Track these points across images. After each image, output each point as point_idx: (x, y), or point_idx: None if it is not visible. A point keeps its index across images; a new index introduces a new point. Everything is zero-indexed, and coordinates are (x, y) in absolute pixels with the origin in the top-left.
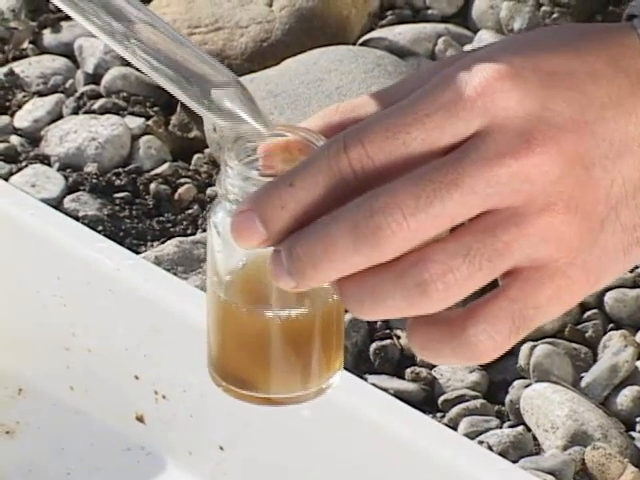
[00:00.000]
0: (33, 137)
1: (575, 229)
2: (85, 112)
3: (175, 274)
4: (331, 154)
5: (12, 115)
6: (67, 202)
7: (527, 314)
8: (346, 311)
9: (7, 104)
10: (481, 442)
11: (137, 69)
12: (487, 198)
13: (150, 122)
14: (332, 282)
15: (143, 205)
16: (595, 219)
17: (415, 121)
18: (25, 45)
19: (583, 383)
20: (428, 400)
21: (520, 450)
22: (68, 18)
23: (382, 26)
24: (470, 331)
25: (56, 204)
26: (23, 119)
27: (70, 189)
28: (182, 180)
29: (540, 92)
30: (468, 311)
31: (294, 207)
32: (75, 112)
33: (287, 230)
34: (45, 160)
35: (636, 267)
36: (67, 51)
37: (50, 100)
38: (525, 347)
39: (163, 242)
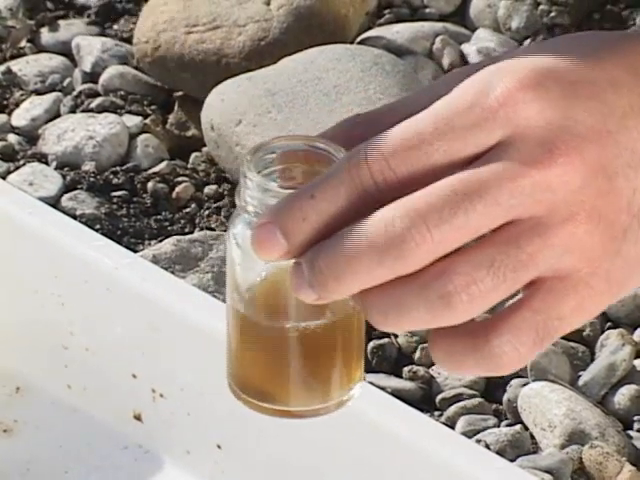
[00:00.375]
0: (31, 136)
1: (598, 239)
2: (83, 111)
3: (173, 272)
4: (352, 166)
5: (10, 114)
6: (65, 201)
7: (551, 325)
8: (368, 324)
9: (5, 102)
10: (479, 441)
11: (135, 67)
12: (510, 209)
13: (148, 121)
14: (354, 294)
15: (141, 204)
16: (618, 228)
17: (437, 132)
18: (23, 44)
19: (581, 382)
20: (426, 399)
21: (518, 449)
22: (65, 17)
23: (380, 25)
24: (494, 342)
25: (54, 202)
26: (21, 117)
27: (68, 188)
28: (180, 179)
29: (561, 102)
30: (491, 322)
31: (315, 219)
32: (73, 111)
33: (308, 242)
34: (43, 159)
35: None
36: (65, 50)
37: (48, 99)
38: None
39: (161, 241)
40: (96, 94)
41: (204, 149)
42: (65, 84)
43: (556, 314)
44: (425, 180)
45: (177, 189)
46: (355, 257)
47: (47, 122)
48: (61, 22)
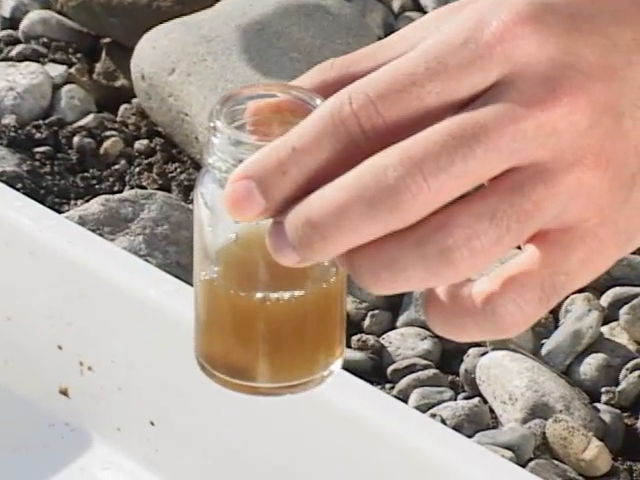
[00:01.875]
0: None
1: (606, 185)
2: (2, 59)
3: (101, 235)
4: (336, 112)
5: None
6: None
7: (557, 281)
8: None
9: None
10: (433, 415)
11: (58, 12)
12: (512, 154)
13: (73, 70)
14: (341, 255)
15: (66, 160)
16: (626, 174)
17: (429, 72)
18: None
19: (544, 351)
20: (376, 370)
21: (476, 424)
22: None
23: None
24: (496, 302)
25: None
26: None
27: None
28: (108, 133)
29: (562, 37)
30: (492, 280)
31: (297, 173)
32: None
33: (289, 199)
34: None
35: None
36: None
37: None
38: None
39: (88, 200)
40: (16, 41)
41: (134, 100)
42: None
43: (563, 269)
44: (417, 126)
45: (105, 144)
46: (343, 212)
47: None
48: None
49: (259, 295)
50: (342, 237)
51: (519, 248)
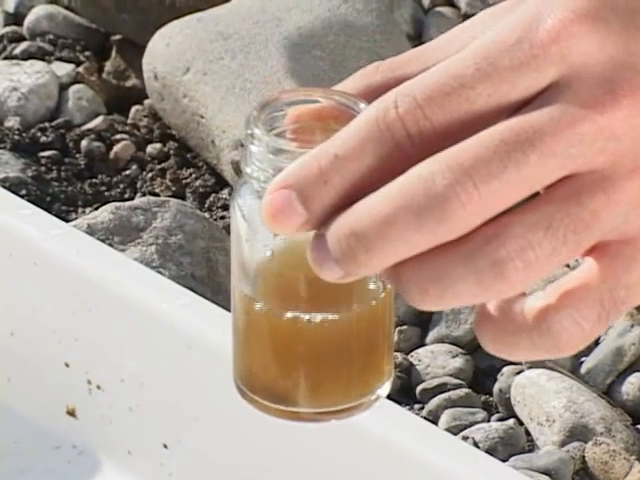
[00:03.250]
0: None
1: None
2: (5, 58)
3: (111, 245)
4: (380, 117)
5: None
6: None
7: (618, 296)
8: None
9: None
10: (465, 438)
11: (65, 7)
12: (569, 160)
13: (81, 69)
14: (387, 269)
15: (73, 165)
16: None
17: (479, 73)
18: None
19: (583, 369)
20: (404, 390)
21: (511, 447)
22: None
23: None
24: (553, 317)
25: None
26: None
27: None
28: (118, 136)
29: (622, 35)
30: (549, 294)
31: (340, 181)
32: None
33: (332, 209)
34: None
35: None
36: None
37: None
38: None
39: (96, 208)
40: (21, 38)
41: (146, 102)
42: None
43: (623, 283)
44: (467, 131)
45: (115, 148)
46: (389, 223)
47: None
48: None
49: (300, 314)
50: (388, 249)
51: (569, 267)
